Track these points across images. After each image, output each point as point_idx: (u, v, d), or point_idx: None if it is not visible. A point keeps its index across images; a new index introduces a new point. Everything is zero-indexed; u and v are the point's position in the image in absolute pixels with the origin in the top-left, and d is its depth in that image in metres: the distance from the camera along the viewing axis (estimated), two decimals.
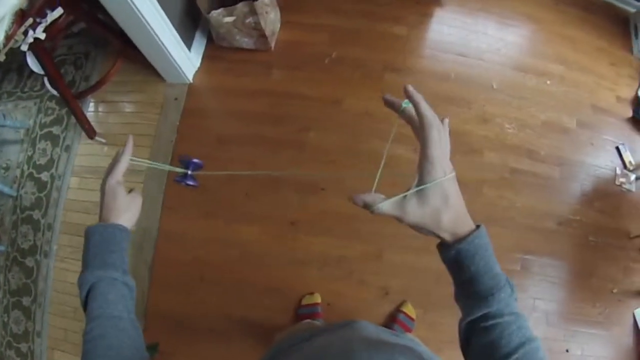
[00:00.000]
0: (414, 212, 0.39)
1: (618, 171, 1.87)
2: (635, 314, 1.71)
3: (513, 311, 0.40)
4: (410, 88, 0.41)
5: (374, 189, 0.41)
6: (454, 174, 0.41)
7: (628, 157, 1.89)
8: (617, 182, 1.85)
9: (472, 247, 0.40)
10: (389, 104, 0.45)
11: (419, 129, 0.40)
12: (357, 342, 0.45)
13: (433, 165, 0.39)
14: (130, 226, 0.56)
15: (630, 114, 1.95)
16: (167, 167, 0.69)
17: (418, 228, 0.41)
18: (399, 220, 0.40)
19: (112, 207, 0.54)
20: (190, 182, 0.69)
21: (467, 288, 0.41)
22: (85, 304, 0.48)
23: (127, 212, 0.56)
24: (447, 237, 0.41)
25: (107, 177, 0.56)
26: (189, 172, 0.67)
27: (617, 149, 1.90)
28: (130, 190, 0.59)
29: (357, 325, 0.62)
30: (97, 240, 0.51)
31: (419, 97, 0.40)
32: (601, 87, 1.94)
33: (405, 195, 0.40)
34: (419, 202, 0.39)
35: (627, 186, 1.85)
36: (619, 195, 1.83)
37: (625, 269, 1.75)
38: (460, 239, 0.40)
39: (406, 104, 0.42)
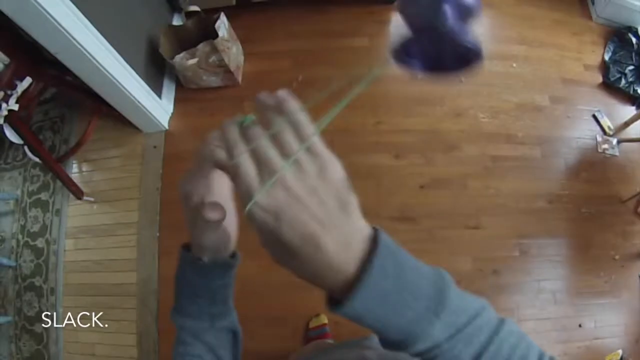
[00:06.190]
0: None
1: (599, 138, 1.88)
2: None
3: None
4: None
5: None
6: None
7: (606, 122, 1.91)
8: (599, 150, 1.86)
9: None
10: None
11: None
12: (370, 357, 0.46)
13: None
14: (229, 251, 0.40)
15: (600, 79, 1.97)
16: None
17: None
18: None
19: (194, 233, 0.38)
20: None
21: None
22: None
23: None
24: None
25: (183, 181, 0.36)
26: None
27: (594, 116, 1.91)
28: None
29: (370, 341, 0.63)
30: (178, 275, 0.42)
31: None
32: (566, 58, 1.96)
33: None
34: None
35: (610, 151, 1.86)
36: (604, 161, 1.84)
37: (623, 233, 1.76)
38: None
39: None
